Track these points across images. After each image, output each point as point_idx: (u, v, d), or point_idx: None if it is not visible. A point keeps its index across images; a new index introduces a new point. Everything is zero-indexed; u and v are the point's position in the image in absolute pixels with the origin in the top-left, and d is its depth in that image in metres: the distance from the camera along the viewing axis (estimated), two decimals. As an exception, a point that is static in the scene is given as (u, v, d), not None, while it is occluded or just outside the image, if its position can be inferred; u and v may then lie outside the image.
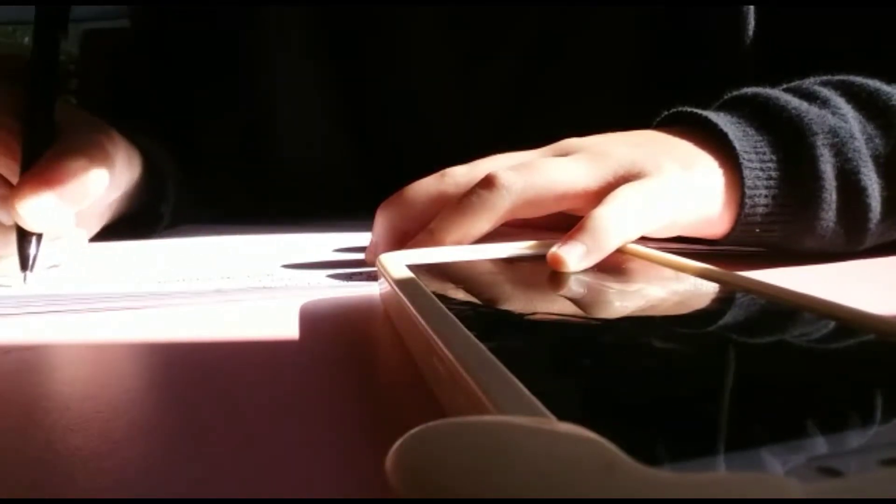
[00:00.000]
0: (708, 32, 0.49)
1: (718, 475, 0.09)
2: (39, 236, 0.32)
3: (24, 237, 0.32)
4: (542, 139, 0.35)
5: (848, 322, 0.17)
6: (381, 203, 0.34)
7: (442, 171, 0.33)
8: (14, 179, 0.32)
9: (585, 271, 0.26)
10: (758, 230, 0.32)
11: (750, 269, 0.31)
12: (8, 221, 0.32)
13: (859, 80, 0.36)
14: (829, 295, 0.19)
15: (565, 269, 0.25)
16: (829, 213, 0.32)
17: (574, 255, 0.26)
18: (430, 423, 0.11)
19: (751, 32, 0.48)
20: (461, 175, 0.33)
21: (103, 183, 0.34)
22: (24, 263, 0.31)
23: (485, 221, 0.30)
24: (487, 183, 0.30)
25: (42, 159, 0.32)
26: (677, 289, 0.23)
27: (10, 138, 0.33)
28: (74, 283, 0.33)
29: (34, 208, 0.30)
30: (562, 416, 0.12)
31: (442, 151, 0.38)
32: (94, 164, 0.33)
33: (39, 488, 0.14)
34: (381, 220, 0.33)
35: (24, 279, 0.31)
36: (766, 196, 0.32)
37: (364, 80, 0.57)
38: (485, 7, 0.52)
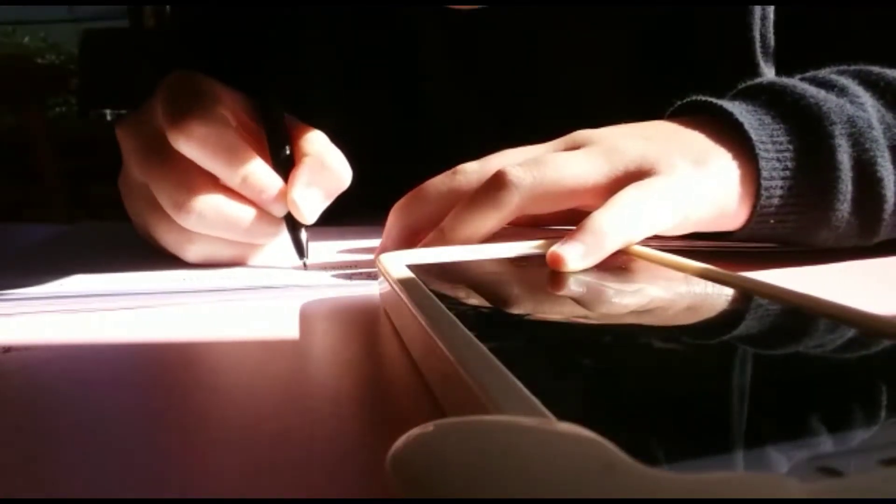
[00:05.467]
0: (718, 24, 0.48)
1: (718, 475, 0.09)
2: (305, 226, 0.35)
3: (295, 227, 0.35)
4: (551, 132, 0.35)
5: (848, 322, 0.17)
6: (387, 204, 0.34)
7: (453, 169, 0.33)
8: (230, 180, 0.34)
9: (586, 271, 0.26)
10: (773, 221, 0.32)
11: (751, 270, 0.31)
12: (279, 213, 0.35)
13: (877, 69, 0.36)
14: (830, 295, 0.19)
15: (564, 269, 0.25)
16: (845, 204, 0.32)
17: (573, 255, 0.25)
18: (430, 423, 0.11)
19: (761, 23, 0.47)
20: (472, 172, 0.33)
21: (350, 176, 0.37)
22: (301, 251, 0.35)
23: (494, 219, 0.30)
24: (496, 180, 0.30)
25: (305, 157, 0.35)
26: (678, 289, 0.23)
27: (256, 139, 0.36)
28: (74, 282, 0.33)
29: (309, 201, 0.34)
30: (562, 416, 0.12)
31: (449, 148, 0.38)
32: (342, 159, 0.37)
33: (39, 488, 0.14)
34: (394, 220, 0.34)
35: (305, 265, 0.35)
36: (781, 187, 0.31)
37: (370, 79, 0.57)
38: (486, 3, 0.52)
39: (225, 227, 0.34)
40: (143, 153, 0.35)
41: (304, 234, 0.35)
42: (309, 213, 0.34)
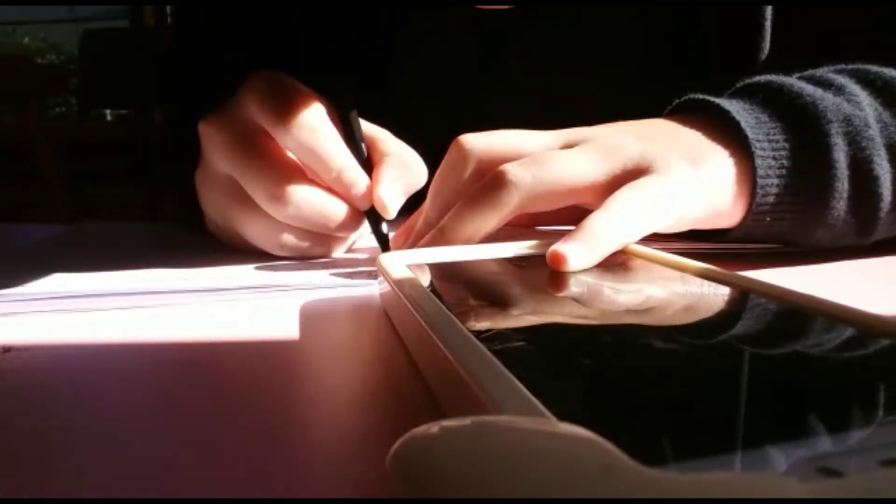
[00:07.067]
0: (718, 24, 0.48)
1: (718, 475, 0.09)
2: (387, 222, 0.37)
3: (377, 221, 0.36)
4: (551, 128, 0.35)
5: (848, 322, 0.17)
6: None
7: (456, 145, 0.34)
8: (326, 175, 0.36)
9: (586, 271, 0.26)
10: (768, 219, 0.32)
11: (750, 269, 0.31)
12: (363, 208, 0.36)
13: (875, 68, 0.36)
14: (829, 295, 0.19)
15: (564, 268, 0.25)
16: (841, 202, 0.32)
17: (573, 255, 0.25)
18: (431, 423, 0.11)
19: (765, 22, 0.47)
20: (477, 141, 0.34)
21: (426, 174, 0.38)
22: (385, 244, 0.37)
23: (495, 218, 0.30)
24: (496, 179, 0.30)
25: (387, 156, 0.37)
26: (678, 289, 0.23)
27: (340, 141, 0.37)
28: (74, 282, 0.33)
29: (393, 197, 0.36)
30: (562, 416, 0.12)
31: (447, 149, 0.38)
32: (420, 159, 0.39)
33: (39, 488, 0.14)
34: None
35: None
36: (777, 185, 0.31)
37: (378, 77, 0.57)
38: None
39: (319, 220, 0.35)
40: (232, 148, 0.36)
41: (385, 228, 0.37)
42: (392, 208, 0.36)
